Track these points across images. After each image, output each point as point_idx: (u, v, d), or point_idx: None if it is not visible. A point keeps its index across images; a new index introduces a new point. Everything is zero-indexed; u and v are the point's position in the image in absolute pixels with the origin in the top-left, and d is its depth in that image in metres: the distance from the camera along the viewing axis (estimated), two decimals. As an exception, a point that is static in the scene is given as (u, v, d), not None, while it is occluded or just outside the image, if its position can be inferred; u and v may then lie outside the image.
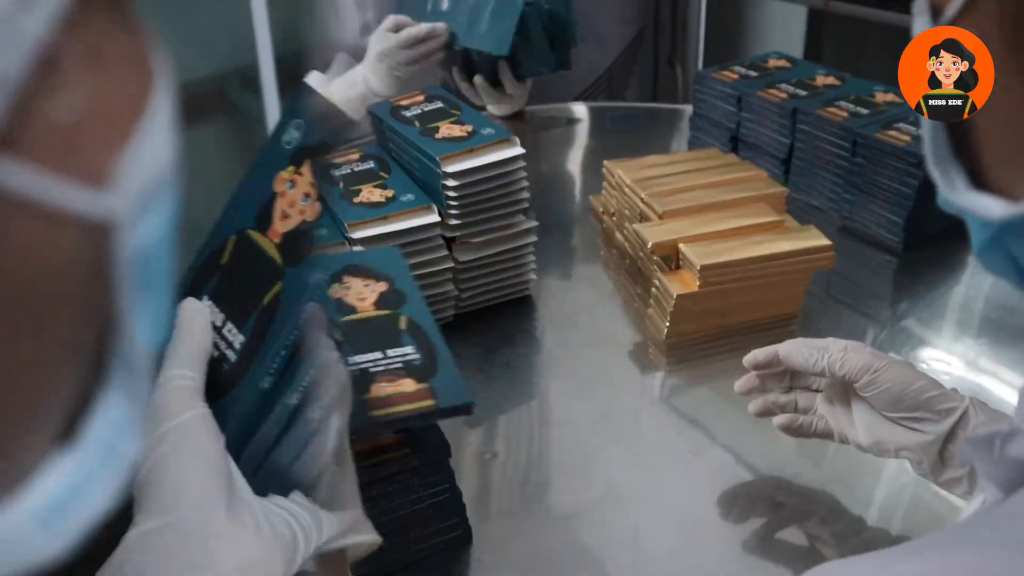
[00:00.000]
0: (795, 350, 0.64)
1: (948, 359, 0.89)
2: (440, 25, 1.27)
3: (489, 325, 0.96)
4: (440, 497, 0.65)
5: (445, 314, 0.95)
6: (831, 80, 1.22)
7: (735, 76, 1.27)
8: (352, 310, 0.64)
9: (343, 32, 1.46)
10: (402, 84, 1.25)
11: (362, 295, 0.65)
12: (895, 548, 0.29)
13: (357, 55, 1.43)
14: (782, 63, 1.31)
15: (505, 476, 0.77)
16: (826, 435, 0.68)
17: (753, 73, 1.27)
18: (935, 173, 0.31)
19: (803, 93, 1.18)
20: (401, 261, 0.71)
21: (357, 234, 0.85)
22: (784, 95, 1.18)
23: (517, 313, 0.98)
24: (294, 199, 0.50)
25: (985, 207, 0.29)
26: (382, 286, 0.67)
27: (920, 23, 0.30)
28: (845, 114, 1.11)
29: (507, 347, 0.93)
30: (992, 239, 0.29)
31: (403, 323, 0.64)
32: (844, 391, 0.66)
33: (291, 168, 0.51)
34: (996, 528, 0.28)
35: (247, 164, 0.55)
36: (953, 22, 0.29)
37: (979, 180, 0.30)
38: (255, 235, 0.51)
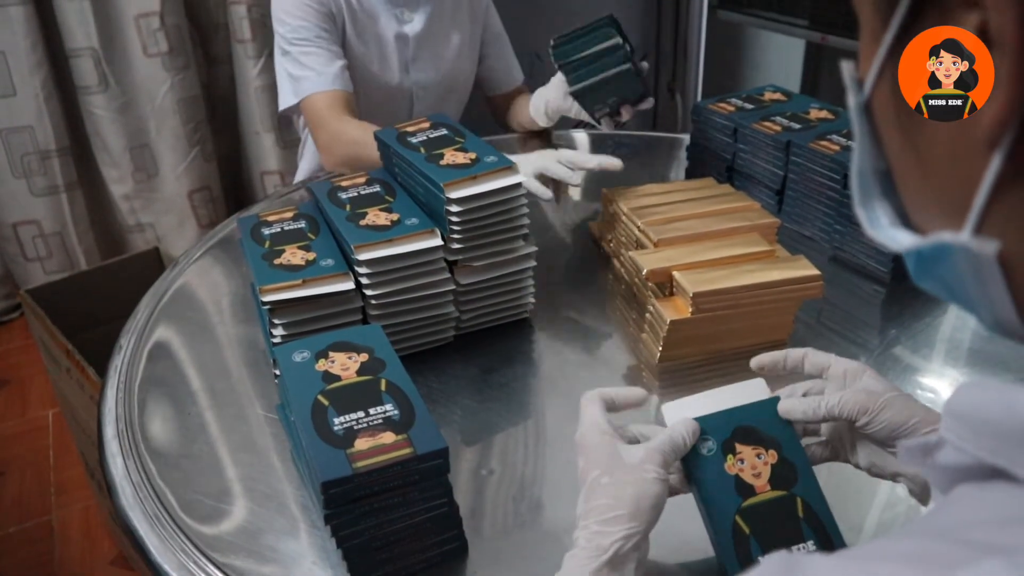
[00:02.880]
0: (793, 407, 0.66)
1: (934, 387, 0.92)
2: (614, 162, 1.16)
3: (488, 346, 0.99)
4: (438, 511, 0.67)
5: (446, 335, 0.98)
6: (824, 114, 1.26)
7: (731, 108, 1.30)
8: (338, 378, 0.72)
9: (385, 72, 1.50)
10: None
11: (345, 365, 0.74)
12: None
13: (391, 93, 1.47)
14: (777, 96, 1.35)
15: (501, 493, 0.79)
16: (826, 460, 0.69)
17: (749, 106, 1.31)
18: (860, 212, 0.36)
19: (797, 126, 1.22)
20: (381, 334, 0.79)
21: (363, 256, 0.88)
22: (779, 128, 1.22)
23: (515, 335, 1.01)
24: None
25: (898, 240, 0.34)
26: (363, 356, 0.75)
27: (851, 93, 0.35)
28: (837, 148, 1.14)
29: (505, 368, 0.95)
30: (919, 264, 0.34)
31: (383, 385, 0.71)
32: (845, 434, 0.68)
33: None
34: (913, 525, 0.32)
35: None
36: (871, 95, 0.34)
37: (906, 220, 0.35)
38: None
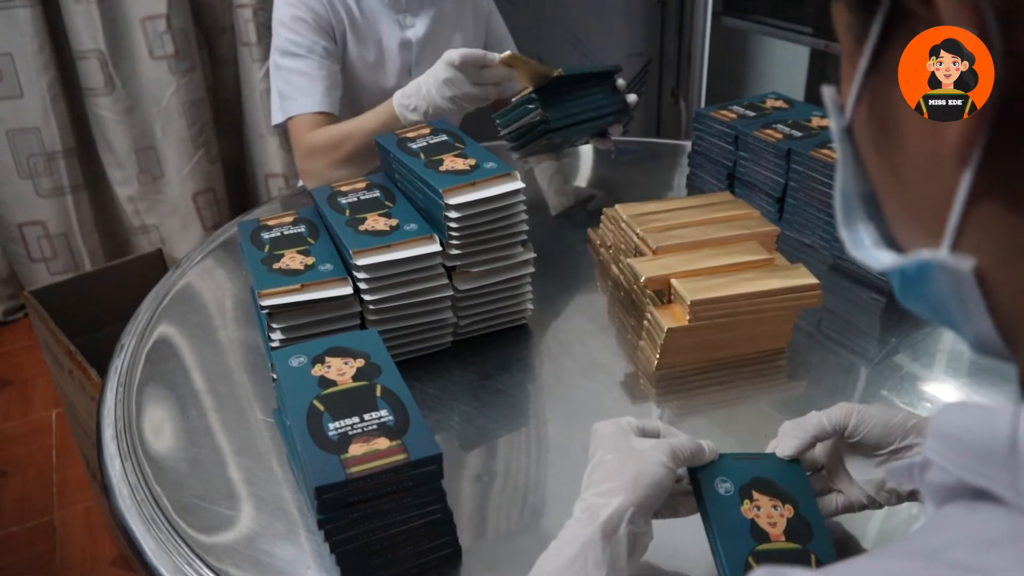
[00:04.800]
0: (786, 444, 0.66)
1: (934, 397, 0.92)
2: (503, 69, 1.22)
3: (486, 352, 0.99)
4: (432, 517, 0.68)
5: (443, 340, 0.98)
6: (826, 122, 1.26)
7: (733, 115, 1.31)
8: (333, 383, 0.72)
9: (387, 77, 1.50)
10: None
11: (341, 371, 0.74)
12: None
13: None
14: (779, 104, 1.35)
15: (499, 498, 0.80)
16: (842, 512, 0.69)
17: (751, 113, 1.31)
18: (843, 233, 0.37)
19: (798, 134, 1.22)
20: (377, 339, 0.79)
21: (361, 261, 0.89)
22: (780, 135, 1.22)
23: (514, 341, 1.01)
24: None
25: (880, 260, 0.35)
26: (359, 362, 0.75)
27: (833, 118, 0.35)
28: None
29: (503, 374, 0.96)
30: (903, 284, 0.35)
31: (378, 391, 0.71)
32: (837, 458, 0.68)
33: None
34: (899, 543, 0.32)
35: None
36: (851, 119, 0.35)
37: (889, 240, 0.36)
38: None
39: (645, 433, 0.65)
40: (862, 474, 0.66)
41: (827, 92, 0.35)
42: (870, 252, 0.35)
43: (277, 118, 1.44)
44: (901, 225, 0.35)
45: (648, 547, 0.60)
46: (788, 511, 0.63)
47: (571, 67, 1.29)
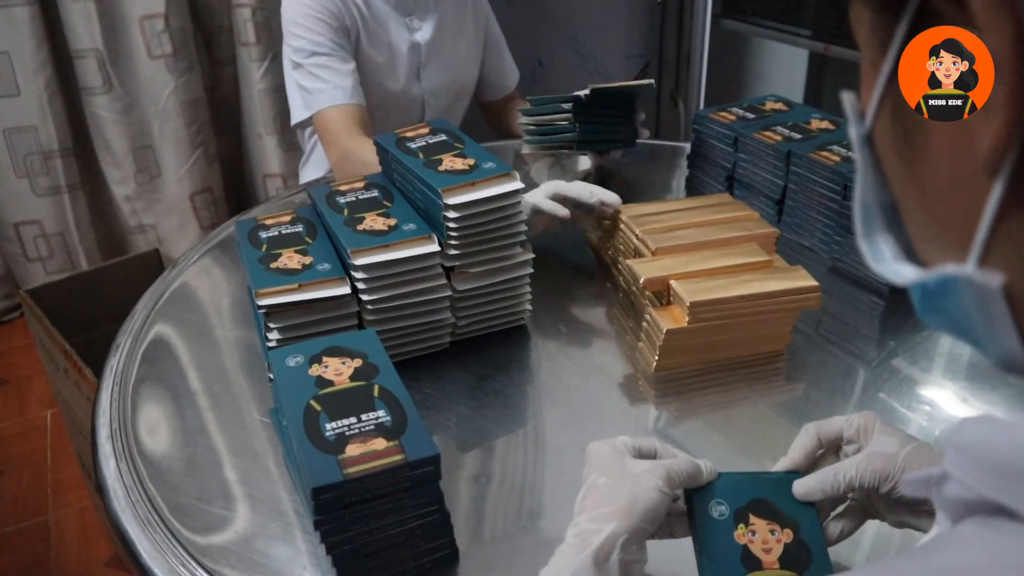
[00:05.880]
0: (811, 488, 0.62)
1: (932, 400, 0.92)
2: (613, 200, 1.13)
3: (484, 353, 0.99)
4: (429, 518, 0.67)
5: (442, 341, 0.97)
6: (825, 124, 1.25)
7: (733, 117, 1.30)
8: (331, 384, 0.72)
9: (396, 80, 1.50)
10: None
11: (339, 371, 0.73)
12: None
13: (403, 101, 1.47)
14: (779, 106, 1.34)
15: (495, 500, 0.79)
16: (856, 528, 0.66)
17: (750, 115, 1.31)
18: (863, 246, 0.35)
19: (798, 136, 1.21)
20: (375, 340, 0.78)
21: (359, 260, 0.88)
22: (779, 137, 1.22)
23: (512, 342, 1.01)
24: None
25: (901, 274, 0.34)
26: (357, 362, 0.74)
27: (853, 125, 0.34)
28: (838, 158, 1.14)
29: (501, 375, 0.95)
30: (924, 299, 0.33)
31: (376, 391, 0.71)
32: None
33: None
34: (913, 557, 0.31)
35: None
36: (872, 126, 0.33)
37: (911, 253, 0.34)
38: None
39: (641, 454, 0.63)
40: (888, 508, 0.62)
41: (846, 98, 0.34)
42: (890, 265, 0.34)
43: (300, 115, 1.43)
44: (924, 237, 0.33)
45: (642, 573, 0.58)
46: (787, 535, 0.61)
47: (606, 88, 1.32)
